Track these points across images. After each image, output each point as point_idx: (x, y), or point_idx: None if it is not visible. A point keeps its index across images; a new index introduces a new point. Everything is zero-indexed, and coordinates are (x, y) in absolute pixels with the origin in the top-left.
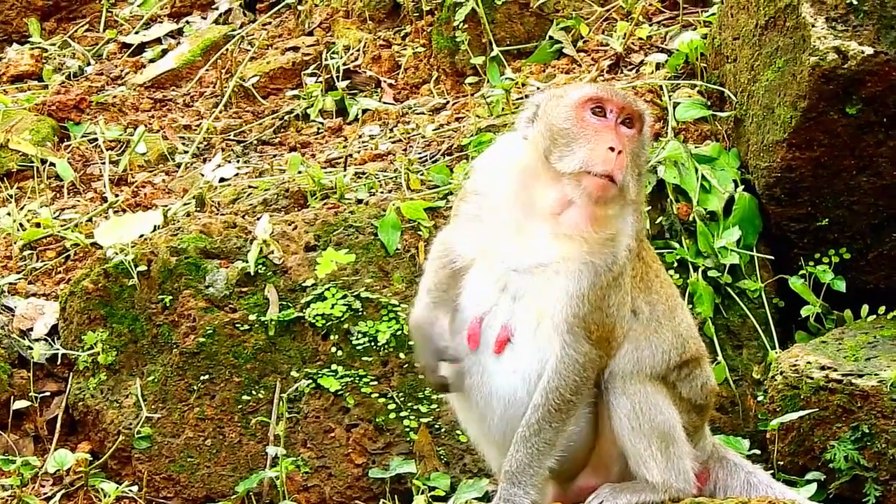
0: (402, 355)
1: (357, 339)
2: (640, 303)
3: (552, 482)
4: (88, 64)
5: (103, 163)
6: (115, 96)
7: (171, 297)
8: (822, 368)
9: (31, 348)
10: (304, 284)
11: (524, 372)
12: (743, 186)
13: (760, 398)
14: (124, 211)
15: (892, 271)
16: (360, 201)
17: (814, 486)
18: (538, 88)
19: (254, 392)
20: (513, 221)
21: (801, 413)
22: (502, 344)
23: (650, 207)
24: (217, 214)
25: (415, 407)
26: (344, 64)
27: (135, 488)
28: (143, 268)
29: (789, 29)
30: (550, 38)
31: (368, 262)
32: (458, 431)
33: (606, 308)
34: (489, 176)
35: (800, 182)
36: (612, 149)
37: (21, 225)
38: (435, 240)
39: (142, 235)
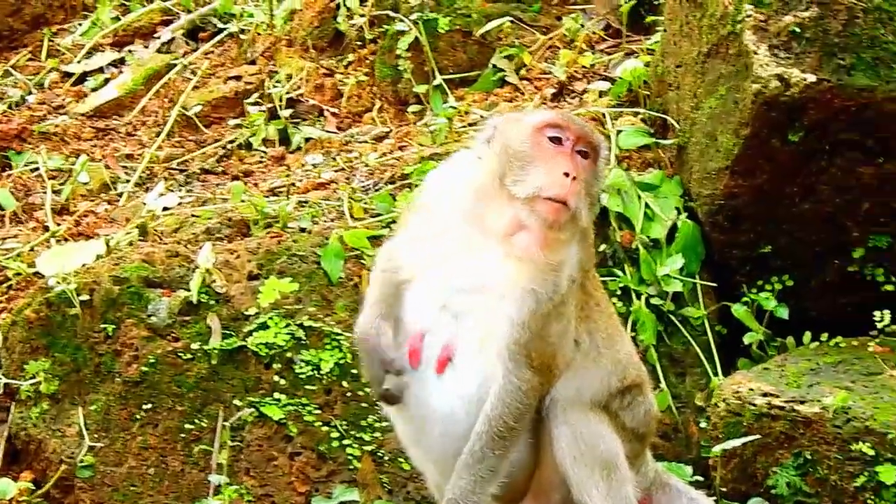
0: (345, 384)
1: (300, 367)
2: (581, 332)
3: None
4: (30, 93)
5: (45, 192)
6: (57, 125)
7: (113, 326)
8: (765, 395)
9: None
10: (246, 313)
11: (464, 393)
12: (686, 214)
13: (703, 425)
14: (66, 240)
15: (835, 298)
16: (303, 230)
17: None
18: (481, 117)
19: (196, 421)
20: (461, 239)
21: (744, 440)
22: (443, 364)
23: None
24: (159, 243)
25: (358, 435)
26: (287, 93)
27: None
28: (85, 297)
29: (732, 56)
30: (493, 66)
31: (311, 290)
32: (401, 459)
33: (547, 337)
34: (441, 192)
35: (742, 209)
36: (566, 174)
37: None
38: (380, 250)
39: (84, 265)
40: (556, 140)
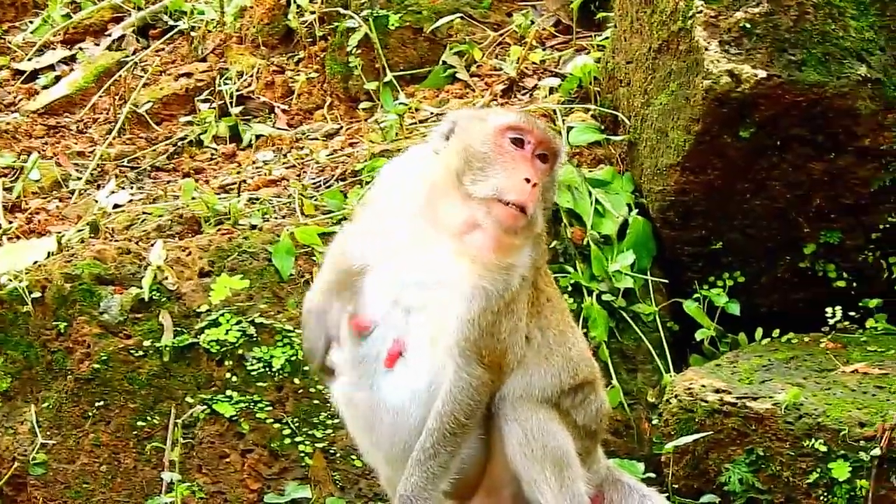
0: (296, 380)
1: (252, 364)
2: (532, 328)
3: (451, 503)
4: None
5: None
6: (8, 123)
7: (65, 324)
8: (717, 391)
9: None
10: (198, 310)
11: (415, 388)
12: (637, 210)
13: (655, 421)
14: (18, 238)
15: (786, 294)
16: (254, 227)
17: None
18: (432, 113)
19: (149, 418)
20: (413, 234)
21: (696, 436)
22: (394, 358)
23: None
24: (111, 241)
25: (310, 432)
26: (237, 90)
27: None
28: (37, 294)
29: (682, 52)
30: (444, 62)
31: (262, 287)
32: (353, 456)
33: (498, 334)
34: (394, 185)
35: (693, 206)
36: (527, 180)
37: None
38: (336, 236)
39: (36, 262)
40: (518, 142)
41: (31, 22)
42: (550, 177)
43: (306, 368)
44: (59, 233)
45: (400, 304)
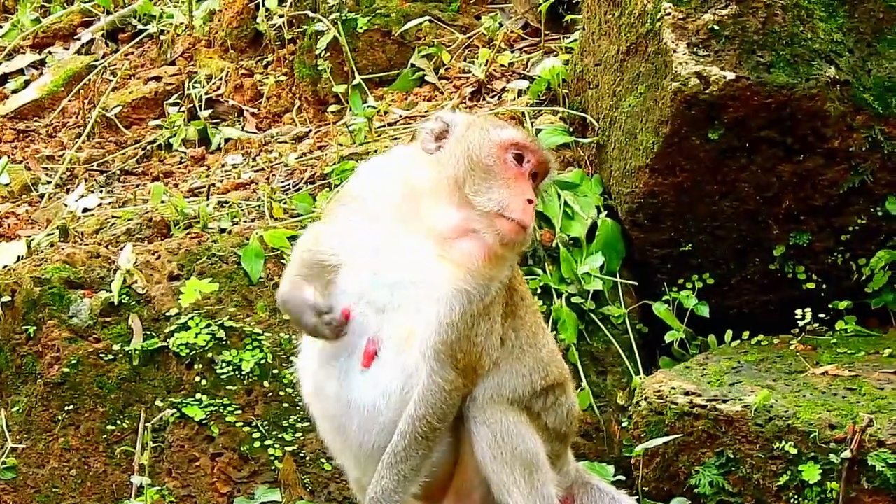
0: (266, 384)
1: (221, 368)
2: (507, 328)
3: None
4: None
5: None
6: None
7: (34, 328)
8: (687, 394)
9: None
10: (167, 314)
11: (387, 388)
12: (606, 212)
13: (625, 424)
14: None
15: (756, 296)
16: (223, 230)
17: None
18: (401, 116)
19: (118, 422)
20: (392, 233)
21: (666, 439)
22: (370, 357)
23: None
24: (80, 244)
25: (279, 435)
26: (206, 93)
27: None
28: (6, 298)
29: (651, 54)
30: (412, 65)
31: (232, 290)
32: (323, 460)
33: (475, 337)
34: (376, 183)
35: (663, 207)
36: (529, 200)
37: None
38: (306, 232)
39: (5, 266)
40: (519, 159)
41: (0, 26)
42: (538, 193)
43: (276, 372)
44: (29, 237)
45: (375, 304)
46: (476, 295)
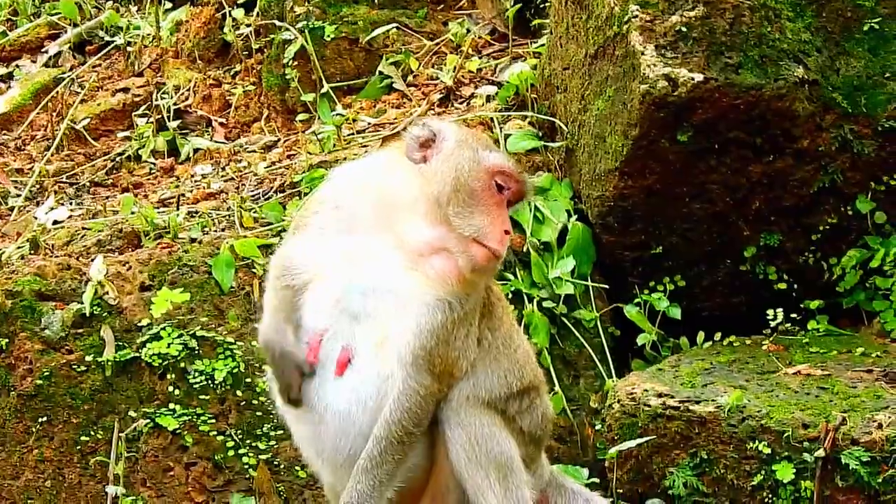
0: (239, 392)
1: (194, 377)
2: (483, 329)
3: None
4: None
5: None
6: None
7: (6, 340)
8: (660, 396)
9: None
10: (139, 324)
11: (362, 394)
12: (576, 216)
13: (598, 427)
14: None
15: (727, 297)
16: (193, 240)
17: None
18: (369, 124)
19: (92, 433)
20: (365, 241)
21: (640, 441)
22: (343, 365)
23: None
24: (51, 256)
25: (253, 444)
26: (174, 104)
27: None
28: None
29: (619, 57)
30: (380, 73)
31: (203, 300)
32: (297, 467)
33: (453, 342)
34: (349, 189)
35: (633, 210)
36: (507, 231)
37: None
38: (273, 258)
39: None
40: (500, 187)
41: None
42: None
43: (248, 380)
44: None
45: (348, 311)
46: (456, 303)
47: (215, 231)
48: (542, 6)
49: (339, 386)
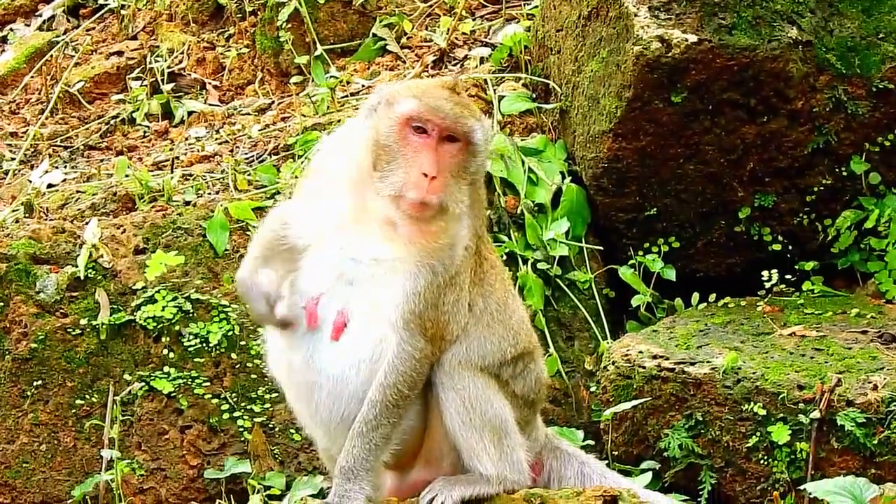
0: (234, 356)
1: (188, 340)
2: (475, 296)
3: (390, 473)
4: None
5: None
6: None
7: (1, 304)
8: (654, 357)
9: None
10: (134, 287)
11: (356, 358)
12: (570, 178)
13: (593, 389)
14: None
15: (721, 259)
16: (187, 203)
17: (649, 475)
18: (363, 86)
19: (87, 396)
20: (353, 209)
21: (634, 402)
22: (339, 329)
23: None
24: (46, 220)
25: (248, 407)
26: (168, 67)
27: None
28: None
29: (612, 19)
30: (374, 35)
31: (198, 263)
32: (291, 430)
33: (442, 306)
34: (335, 156)
35: (627, 172)
36: (425, 174)
37: None
38: (272, 211)
39: None
40: (421, 130)
41: None
42: (467, 153)
43: (243, 343)
44: None
45: (344, 277)
46: (440, 266)
47: (209, 194)
48: None
49: (333, 351)
